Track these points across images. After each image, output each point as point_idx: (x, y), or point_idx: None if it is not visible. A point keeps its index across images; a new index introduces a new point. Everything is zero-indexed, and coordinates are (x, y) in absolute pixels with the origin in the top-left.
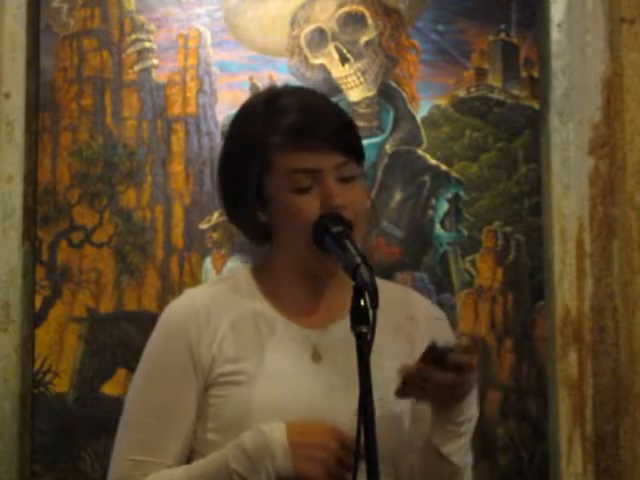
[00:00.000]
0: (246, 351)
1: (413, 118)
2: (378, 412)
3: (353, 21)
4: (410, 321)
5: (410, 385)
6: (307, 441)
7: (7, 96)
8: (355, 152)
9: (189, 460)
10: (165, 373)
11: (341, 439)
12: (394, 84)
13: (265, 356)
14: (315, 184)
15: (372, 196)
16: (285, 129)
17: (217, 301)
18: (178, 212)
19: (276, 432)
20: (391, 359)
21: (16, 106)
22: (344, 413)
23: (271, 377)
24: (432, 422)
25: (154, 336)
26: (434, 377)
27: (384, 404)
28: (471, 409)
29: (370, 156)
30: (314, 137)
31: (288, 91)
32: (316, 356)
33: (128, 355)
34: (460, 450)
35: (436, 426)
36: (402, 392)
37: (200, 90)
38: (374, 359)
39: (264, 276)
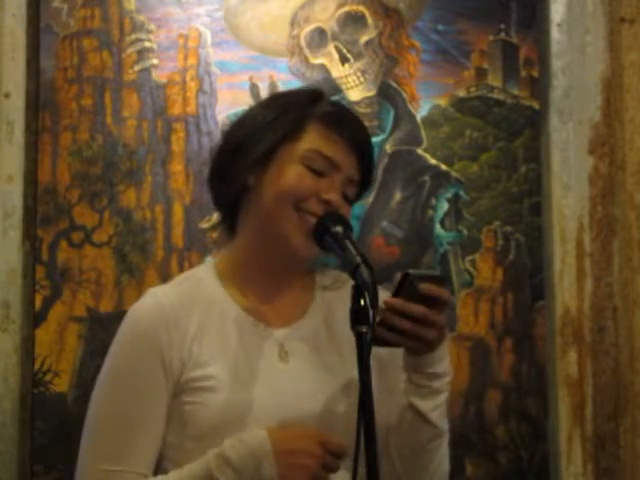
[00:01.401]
0: (214, 355)
1: (413, 118)
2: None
3: (353, 21)
4: None
5: (385, 327)
6: (291, 448)
7: (7, 96)
8: (365, 180)
9: (157, 466)
10: (134, 378)
11: (325, 443)
12: (394, 84)
13: (234, 359)
14: (326, 175)
15: (371, 198)
16: (328, 112)
17: (184, 302)
18: (178, 212)
19: (259, 441)
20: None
21: (16, 106)
22: (310, 413)
23: (241, 381)
24: (408, 378)
25: (120, 339)
26: (407, 309)
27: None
28: (442, 363)
29: None
30: (350, 134)
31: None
32: (283, 354)
33: None
34: (437, 409)
35: (413, 381)
36: (379, 340)
37: (200, 90)
38: (338, 359)
39: (229, 274)
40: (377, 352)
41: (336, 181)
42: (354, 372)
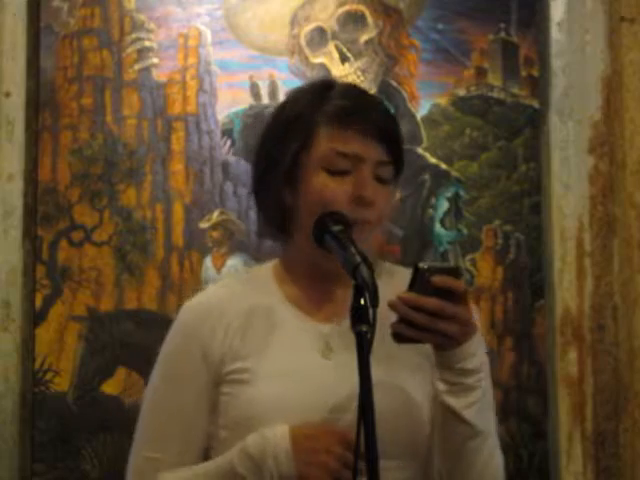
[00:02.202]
0: (255, 348)
1: (413, 117)
2: (394, 401)
3: (353, 20)
4: None
5: (403, 322)
6: (311, 446)
7: (7, 95)
8: (397, 157)
9: (206, 457)
10: (178, 372)
11: (345, 442)
12: (394, 83)
13: (271, 353)
14: (352, 171)
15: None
16: (336, 108)
17: (232, 298)
18: (178, 211)
19: (279, 437)
20: (405, 349)
21: (16, 105)
22: (351, 410)
23: (275, 375)
24: (438, 376)
25: (170, 334)
26: (421, 303)
27: (400, 392)
28: (473, 359)
29: None
30: (363, 123)
31: (342, 83)
32: (327, 350)
33: (128, 354)
34: (474, 406)
35: (443, 379)
36: (399, 335)
37: (200, 89)
38: (390, 350)
39: (282, 271)
40: (424, 350)
41: (364, 173)
42: (400, 371)
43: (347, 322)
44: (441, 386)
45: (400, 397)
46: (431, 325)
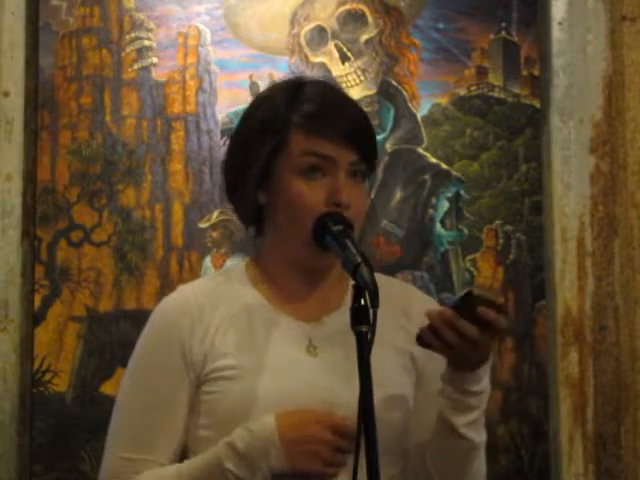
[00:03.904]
0: (239, 346)
1: (413, 117)
2: (380, 394)
3: (353, 19)
4: (404, 315)
5: (432, 332)
6: (299, 435)
7: (6, 94)
8: (370, 155)
9: (183, 457)
10: (156, 370)
11: (334, 426)
12: (394, 82)
13: (259, 350)
14: (326, 174)
15: (372, 196)
16: (307, 112)
17: (210, 296)
18: (178, 211)
19: (267, 430)
20: (395, 353)
21: (15, 104)
22: (342, 405)
23: (265, 371)
24: (443, 390)
25: (146, 332)
26: (459, 325)
27: (387, 387)
28: (484, 381)
29: None
30: (333, 128)
31: (312, 81)
32: (311, 348)
33: (127, 354)
34: (473, 424)
35: (447, 395)
36: (422, 339)
37: (200, 88)
38: (379, 352)
39: (258, 268)
40: (412, 351)
41: (338, 177)
42: (385, 365)
43: (328, 319)
44: (444, 401)
45: (391, 394)
46: (457, 345)
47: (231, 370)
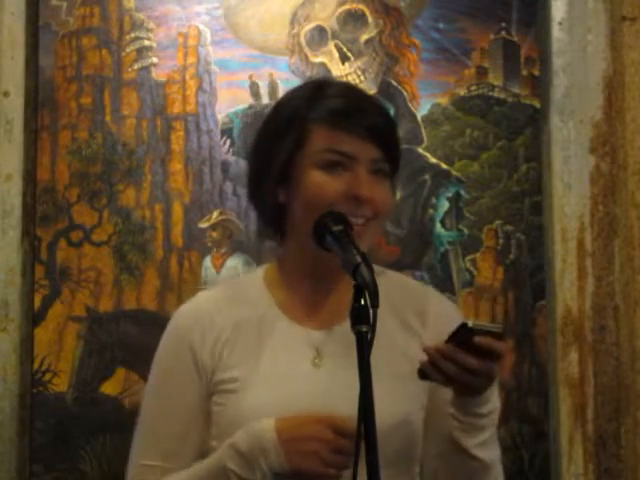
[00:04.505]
0: (243, 357)
1: (413, 117)
2: (392, 410)
3: (353, 19)
4: (418, 317)
5: (432, 366)
6: (298, 434)
7: (6, 94)
8: (392, 156)
9: None
10: (172, 377)
11: (335, 426)
12: (394, 82)
13: (263, 361)
14: (347, 169)
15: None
16: (328, 108)
17: (223, 304)
18: (178, 211)
19: (266, 430)
20: (401, 360)
21: (15, 104)
22: (343, 414)
23: (264, 382)
24: (453, 414)
25: (163, 340)
26: (458, 358)
27: (393, 404)
28: (491, 402)
29: None
30: (356, 124)
31: (335, 82)
32: (317, 360)
33: (127, 354)
34: (484, 444)
35: (457, 418)
36: (423, 373)
37: (200, 88)
38: (385, 359)
39: (274, 275)
40: (412, 358)
41: (359, 171)
42: (393, 380)
43: (339, 328)
44: (454, 423)
45: (397, 406)
46: (459, 378)
47: (233, 383)
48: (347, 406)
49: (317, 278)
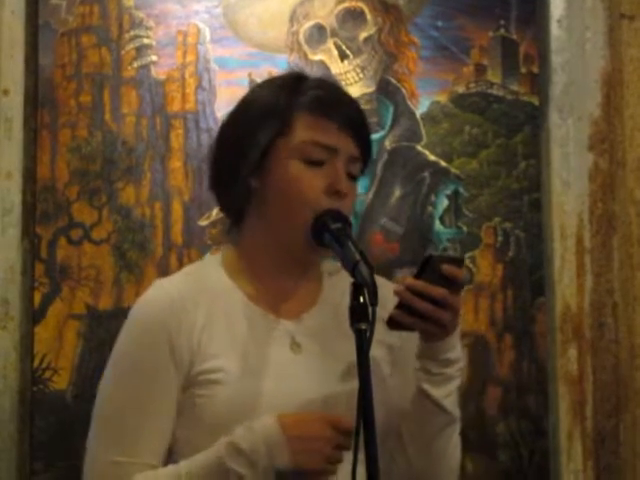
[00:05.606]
0: (224, 346)
1: (412, 114)
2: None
3: (352, 17)
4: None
5: (405, 310)
6: (302, 433)
7: (6, 93)
8: (366, 154)
9: (167, 462)
10: (143, 368)
11: (336, 424)
12: (393, 80)
13: (245, 351)
14: (326, 163)
15: (371, 195)
16: (313, 97)
17: (191, 293)
18: (177, 209)
19: (269, 428)
20: (379, 348)
21: (15, 103)
22: (326, 399)
23: (252, 373)
24: (422, 366)
25: (129, 330)
26: (431, 292)
27: (377, 380)
28: (456, 350)
29: None
30: (339, 111)
31: (312, 76)
32: (295, 346)
33: None
34: (452, 397)
35: (426, 368)
36: (395, 323)
37: (199, 86)
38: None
39: (236, 268)
40: (388, 341)
41: (338, 165)
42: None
43: (307, 315)
44: (423, 376)
45: (377, 385)
46: (433, 313)
47: (218, 373)
48: (327, 390)
49: (286, 267)
